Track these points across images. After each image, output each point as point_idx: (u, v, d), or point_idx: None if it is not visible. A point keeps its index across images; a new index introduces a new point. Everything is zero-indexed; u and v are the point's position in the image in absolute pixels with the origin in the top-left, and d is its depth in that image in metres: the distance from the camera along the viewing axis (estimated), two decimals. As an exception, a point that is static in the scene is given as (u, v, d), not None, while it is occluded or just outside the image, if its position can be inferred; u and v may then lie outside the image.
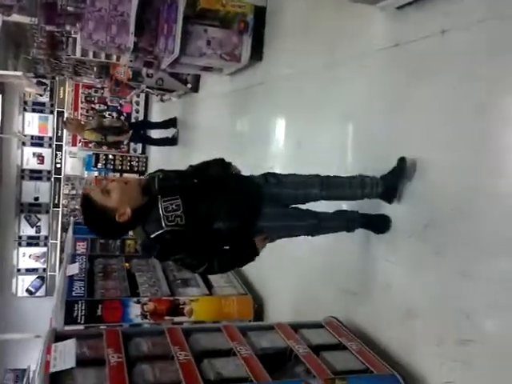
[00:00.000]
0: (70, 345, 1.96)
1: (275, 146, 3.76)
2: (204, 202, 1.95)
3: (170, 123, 7.27)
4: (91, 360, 1.96)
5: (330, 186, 2.20)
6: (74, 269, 3.69)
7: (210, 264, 1.95)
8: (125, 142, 8.13)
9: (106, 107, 10.53)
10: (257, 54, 3.99)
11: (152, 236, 1.84)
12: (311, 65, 3.22)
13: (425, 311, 2.05)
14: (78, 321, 3.16)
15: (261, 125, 4.07)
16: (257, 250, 2.03)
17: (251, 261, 2.07)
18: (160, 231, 1.82)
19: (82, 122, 7.30)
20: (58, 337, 2.07)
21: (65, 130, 10.46)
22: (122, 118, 9.91)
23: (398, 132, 2.31)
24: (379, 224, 2.32)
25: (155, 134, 8.01)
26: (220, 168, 2.17)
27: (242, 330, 2.29)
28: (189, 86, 6.00)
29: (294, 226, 2.21)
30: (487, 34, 1.78)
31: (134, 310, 3.32)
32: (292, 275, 3.26)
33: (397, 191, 2.20)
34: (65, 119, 7.81)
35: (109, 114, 10.18)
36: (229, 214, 1.98)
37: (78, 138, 10.21)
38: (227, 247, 2.06)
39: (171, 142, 7.22)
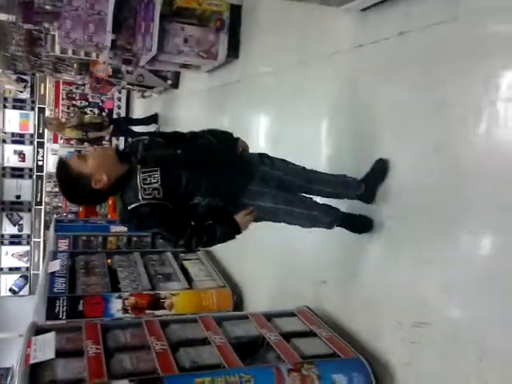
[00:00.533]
0: (49, 338, 2.03)
1: (253, 143, 3.84)
2: (185, 174, 1.87)
3: (152, 119, 7.31)
4: (71, 352, 2.03)
5: (313, 182, 2.22)
6: (55, 265, 3.74)
7: (188, 239, 1.89)
8: (106, 138, 8.12)
9: (87, 103, 10.50)
10: (233, 51, 4.07)
11: (129, 208, 1.81)
12: (285, 62, 3.31)
13: (388, 298, 2.17)
14: (60, 316, 3.21)
15: (238, 121, 4.16)
16: (238, 227, 1.95)
17: (232, 238, 2.00)
18: (136, 204, 1.79)
19: (63, 120, 7.31)
20: (38, 331, 2.14)
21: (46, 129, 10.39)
22: (104, 114, 9.90)
23: (366, 130, 2.42)
24: (360, 225, 2.30)
25: (137, 129, 8.04)
26: (221, 140, 2.13)
27: (217, 320, 2.38)
28: (169, 82, 6.06)
29: (280, 210, 2.08)
30: (440, 36, 1.90)
31: (116, 305, 3.39)
32: (269, 266, 3.36)
33: (376, 193, 2.23)
34: (45, 119, 7.78)
35: (90, 111, 10.15)
36: (211, 190, 1.91)
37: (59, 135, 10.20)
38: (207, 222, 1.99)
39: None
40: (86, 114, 8.39)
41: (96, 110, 10.34)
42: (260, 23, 3.75)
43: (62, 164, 1.84)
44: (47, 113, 11.07)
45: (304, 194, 2.21)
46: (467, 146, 1.80)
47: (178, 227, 1.89)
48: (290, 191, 2.14)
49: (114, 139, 10.16)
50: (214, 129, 2.20)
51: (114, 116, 10.10)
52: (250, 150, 2.25)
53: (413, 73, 2.07)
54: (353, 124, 2.54)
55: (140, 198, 1.78)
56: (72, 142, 9.85)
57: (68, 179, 1.83)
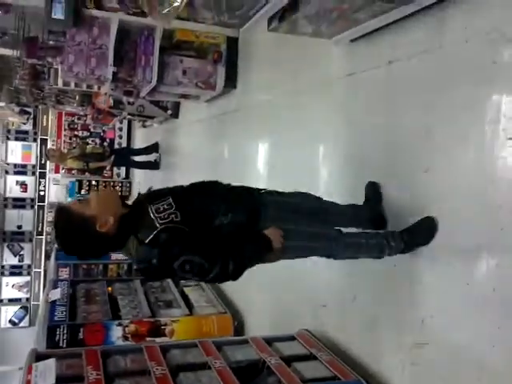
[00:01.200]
0: (50, 364, 2.04)
1: (251, 169, 3.92)
2: (197, 198, 1.76)
3: (153, 149, 7.44)
4: (71, 378, 2.05)
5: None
6: (55, 294, 3.75)
7: (224, 263, 1.61)
8: (107, 168, 8.25)
9: (89, 134, 10.66)
10: (231, 82, 4.19)
11: (146, 241, 1.58)
12: (281, 91, 3.42)
13: (386, 319, 2.19)
14: (60, 345, 3.21)
15: (237, 149, 4.25)
16: (269, 242, 1.70)
17: (263, 254, 1.74)
18: (154, 232, 1.57)
19: (65, 151, 7.45)
20: (39, 357, 2.15)
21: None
22: (105, 144, 10.06)
23: (359, 154, 2.49)
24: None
25: (138, 159, 8.16)
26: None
27: (217, 345, 2.40)
28: (169, 112, 6.19)
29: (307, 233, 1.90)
30: (426, 63, 1.99)
31: (116, 333, 3.39)
32: (269, 291, 3.38)
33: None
34: (47, 151, 7.93)
35: (92, 141, 10.31)
36: (230, 207, 1.75)
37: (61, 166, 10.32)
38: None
39: (153, 165, 7.38)
40: (87, 144, 8.54)
41: (97, 141, 10.50)
42: (256, 54, 3.88)
43: (62, 210, 1.67)
44: (49, 144, 11.26)
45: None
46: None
47: (206, 249, 1.62)
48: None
49: (115, 169, 10.30)
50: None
51: (116, 146, 10.26)
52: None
53: (400, 98, 2.15)
54: (347, 148, 2.61)
55: (157, 225, 1.59)
56: (73, 172, 9.95)
57: (69, 225, 1.63)
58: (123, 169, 10.32)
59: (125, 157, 7.92)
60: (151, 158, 7.47)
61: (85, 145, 7.63)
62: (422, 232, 1.95)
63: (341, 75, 2.57)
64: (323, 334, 2.62)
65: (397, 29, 2.14)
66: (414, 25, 2.05)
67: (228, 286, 4.18)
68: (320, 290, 2.74)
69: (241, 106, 4.16)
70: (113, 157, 7.02)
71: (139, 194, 1.85)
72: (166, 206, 1.65)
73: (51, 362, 2.06)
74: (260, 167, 3.78)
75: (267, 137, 3.70)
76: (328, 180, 2.83)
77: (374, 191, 2.22)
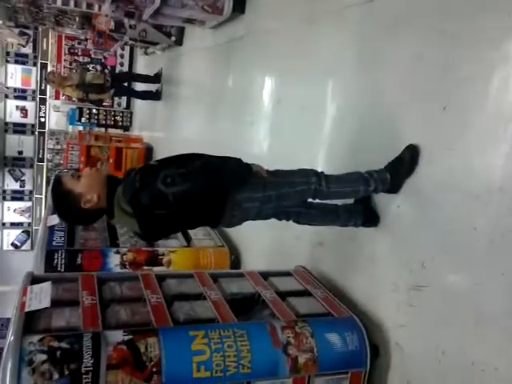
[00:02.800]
0: (45, 287, 2.03)
1: (255, 102, 3.77)
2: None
3: (155, 79, 7.20)
4: (66, 302, 2.05)
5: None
6: (54, 219, 3.73)
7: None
8: (107, 100, 8.05)
9: (89, 59, 10.30)
10: (239, 6, 3.94)
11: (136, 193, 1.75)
12: (291, 19, 3.20)
13: (384, 259, 2.17)
14: (58, 269, 3.24)
15: (242, 80, 4.07)
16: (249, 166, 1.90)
17: (247, 175, 1.88)
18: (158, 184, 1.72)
19: (65, 75, 7.18)
20: (35, 280, 2.15)
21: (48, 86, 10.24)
22: (107, 71, 9.73)
23: (372, 89, 2.34)
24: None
25: (140, 87, 7.92)
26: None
27: (213, 277, 2.39)
28: (173, 38, 5.90)
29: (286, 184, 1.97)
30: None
31: (114, 260, 3.42)
32: (267, 228, 3.33)
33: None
34: (47, 75, 7.63)
35: (92, 67, 9.97)
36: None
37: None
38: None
39: (155, 96, 7.16)
40: (88, 70, 8.23)
41: (98, 67, 10.15)
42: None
43: (57, 181, 1.88)
44: (49, 68, 10.91)
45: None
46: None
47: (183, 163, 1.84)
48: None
49: (115, 99, 10.05)
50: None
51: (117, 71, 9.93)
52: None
53: (423, 25, 1.98)
54: (357, 84, 2.47)
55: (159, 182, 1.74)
56: (74, 99, 9.72)
57: (60, 196, 1.87)
58: (124, 98, 10.06)
59: (126, 85, 7.67)
60: (153, 88, 7.25)
61: (85, 71, 7.31)
62: (405, 159, 1.98)
63: (361, 1, 2.35)
64: (319, 272, 2.62)
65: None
66: None
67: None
68: (318, 229, 2.70)
69: (249, 33, 3.93)
70: (112, 90, 6.82)
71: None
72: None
73: (47, 285, 2.05)
74: (265, 101, 3.63)
75: (274, 69, 3.52)
76: (334, 115, 2.70)
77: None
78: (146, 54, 7.86)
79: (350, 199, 2.26)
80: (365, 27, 2.42)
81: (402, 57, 2.12)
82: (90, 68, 9.74)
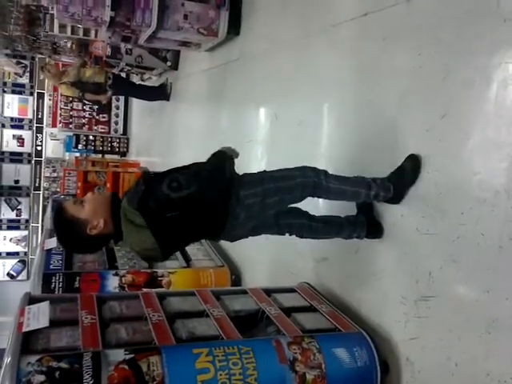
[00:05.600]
0: (43, 306, 1.97)
1: (253, 119, 3.79)
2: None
3: (161, 92, 6.51)
4: (65, 322, 1.99)
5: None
6: (52, 243, 3.68)
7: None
8: (104, 102, 7.31)
9: (86, 87, 10.38)
10: (234, 28, 3.99)
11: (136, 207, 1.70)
12: (287, 38, 3.24)
13: (390, 271, 2.13)
14: (56, 293, 3.18)
15: (239, 99, 4.09)
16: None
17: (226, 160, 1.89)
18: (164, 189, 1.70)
19: (62, 69, 6.76)
20: (32, 301, 2.09)
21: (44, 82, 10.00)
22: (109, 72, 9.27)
23: (369, 102, 2.35)
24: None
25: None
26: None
27: (215, 294, 2.34)
28: (168, 63, 5.96)
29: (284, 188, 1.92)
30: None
31: (112, 283, 3.35)
32: (268, 244, 3.30)
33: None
34: (42, 64, 6.72)
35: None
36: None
37: (58, 118, 10.11)
38: None
39: (162, 94, 6.29)
40: (86, 65, 6.64)
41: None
42: (262, -2, 3.66)
43: (60, 208, 1.81)
44: (46, 98, 11.00)
45: None
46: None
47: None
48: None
49: (112, 124, 10.08)
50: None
51: (114, 103, 9.89)
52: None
53: (418, 38, 2.00)
54: (354, 96, 2.47)
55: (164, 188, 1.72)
56: (71, 126, 9.75)
57: (63, 224, 1.78)
58: (121, 124, 10.09)
59: (127, 84, 6.98)
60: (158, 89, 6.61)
61: (84, 63, 6.38)
62: (407, 169, 1.97)
63: (353, 16, 2.39)
64: (324, 288, 2.56)
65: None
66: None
67: (226, 242, 4.11)
68: (321, 243, 2.66)
69: (244, 53, 3.97)
70: (110, 92, 6.19)
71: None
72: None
73: (45, 304, 1.99)
74: (262, 118, 3.64)
75: (271, 87, 3.53)
76: (330, 131, 2.70)
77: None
78: (142, 80, 7.94)
79: (352, 211, 2.24)
80: (360, 41, 2.45)
81: (398, 68, 2.13)
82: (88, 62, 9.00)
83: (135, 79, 8.45)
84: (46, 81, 9.88)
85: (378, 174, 2.06)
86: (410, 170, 1.97)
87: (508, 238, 1.59)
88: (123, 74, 8.71)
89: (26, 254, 11.45)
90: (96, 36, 5.63)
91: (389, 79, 2.21)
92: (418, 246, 1.98)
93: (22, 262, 11.43)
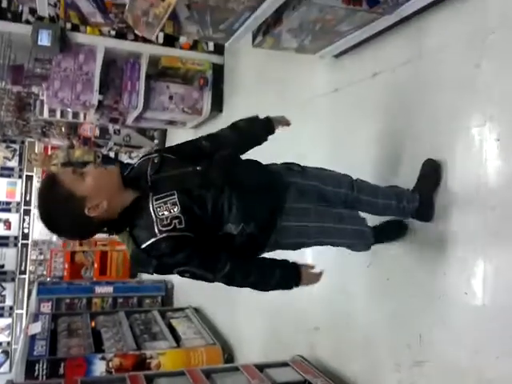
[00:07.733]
0: (24, 396, 1.88)
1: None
2: (210, 194, 1.45)
3: None
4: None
5: (361, 191, 1.81)
6: (35, 328, 3.58)
7: (229, 273, 1.46)
8: None
9: (74, 168, 10.55)
10: (217, 106, 4.18)
11: (143, 246, 1.37)
12: (265, 113, 3.38)
13: (381, 338, 2.09)
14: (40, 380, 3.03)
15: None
16: (299, 278, 1.56)
17: (288, 288, 1.60)
18: (152, 239, 1.36)
19: (49, 154, 6.85)
20: (13, 390, 2.00)
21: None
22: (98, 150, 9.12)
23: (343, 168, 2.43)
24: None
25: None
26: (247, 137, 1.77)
27: (205, 373, 2.25)
28: (155, 142, 6.14)
29: (331, 229, 1.70)
30: (409, 72, 1.98)
31: (99, 367, 3.22)
32: (259, 318, 3.24)
33: (434, 205, 1.83)
34: (29, 156, 6.80)
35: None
36: (244, 212, 1.47)
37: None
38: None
39: None
40: (73, 147, 6.65)
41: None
42: (241, 79, 3.88)
43: (51, 179, 1.41)
44: (35, 180, 11.10)
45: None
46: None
47: (212, 260, 1.45)
48: (333, 205, 1.74)
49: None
50: (237, 124, 1.78)
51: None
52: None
53: (385, 109, 2.13)
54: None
55: (156, 231, 1.35)
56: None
57: (54, 198, 1.38)
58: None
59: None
60: None
61: (71, 145, 6.42)
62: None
63: (325, 91, 2.55)
64: (318, 359, 2.49)
65: (379, 42, 2.15)
66: (394, 36, 2.07)
67: (216, 316, 4.02)
68: (311, 313, 2.62)
69: (228, 130, 4.13)
70: None
71: (154, 157, 1.54)
72: (169, 205, 1.38)
73: (25, 394, 1.90)
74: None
75: (255, 156, 3.64)
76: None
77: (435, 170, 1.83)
78: (130, 158, 8.11)
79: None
80: (332, 113, 2.58)
81: (373, 129, 2.24)
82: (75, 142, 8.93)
83: (123, 157, 8.67)
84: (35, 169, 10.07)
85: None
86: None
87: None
88: (112, 153, 8.95)
89: (8, 344, 10.91)
90: (85, 118, 5.83)
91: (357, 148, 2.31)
92: (408, 309, 1.96)
93: (5, 352, 10.84)
